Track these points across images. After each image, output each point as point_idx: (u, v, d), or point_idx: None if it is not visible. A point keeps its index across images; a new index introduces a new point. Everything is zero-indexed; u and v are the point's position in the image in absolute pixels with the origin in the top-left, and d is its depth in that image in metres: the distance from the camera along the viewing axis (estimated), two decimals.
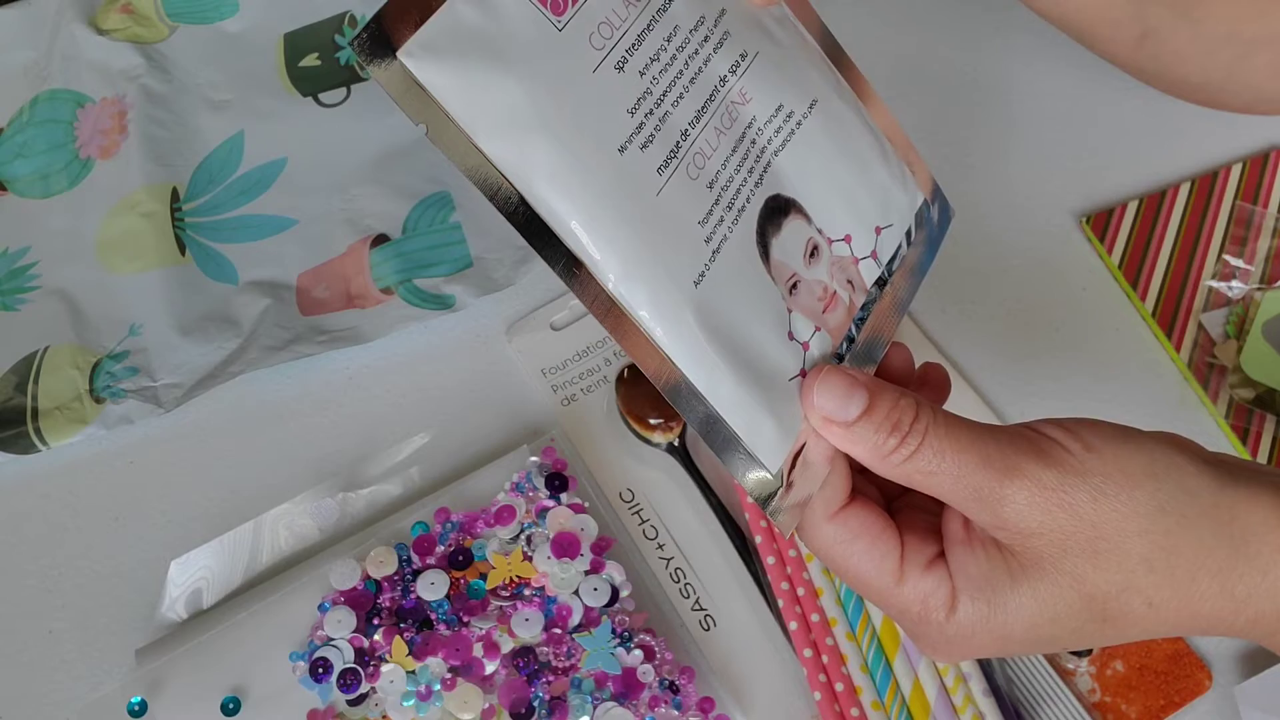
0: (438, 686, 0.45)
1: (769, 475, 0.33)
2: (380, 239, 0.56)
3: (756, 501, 0.33)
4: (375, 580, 0.47)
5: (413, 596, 0.47)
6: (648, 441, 0.51)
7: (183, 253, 0.56)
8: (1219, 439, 0.50)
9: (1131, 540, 0.31)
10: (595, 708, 0.44)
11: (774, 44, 0.35)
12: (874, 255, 0.36)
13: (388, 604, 0.47)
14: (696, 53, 0.33)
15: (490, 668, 0.45)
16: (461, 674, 0.45)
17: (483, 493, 0.49)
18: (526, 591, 0.47)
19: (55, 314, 0.55)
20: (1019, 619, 0.32)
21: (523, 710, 0.44)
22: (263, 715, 0.45)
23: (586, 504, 0.48)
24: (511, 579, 0.47)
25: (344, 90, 0.61)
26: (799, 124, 0.34)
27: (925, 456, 0.31)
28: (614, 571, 0.47)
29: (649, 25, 0.32)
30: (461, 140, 0.29)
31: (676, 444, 0.51)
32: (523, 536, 0.48)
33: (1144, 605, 0.31)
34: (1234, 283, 0.54)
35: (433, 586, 0.47)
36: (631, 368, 0.52)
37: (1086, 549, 0.31)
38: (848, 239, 0.35)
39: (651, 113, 0.31)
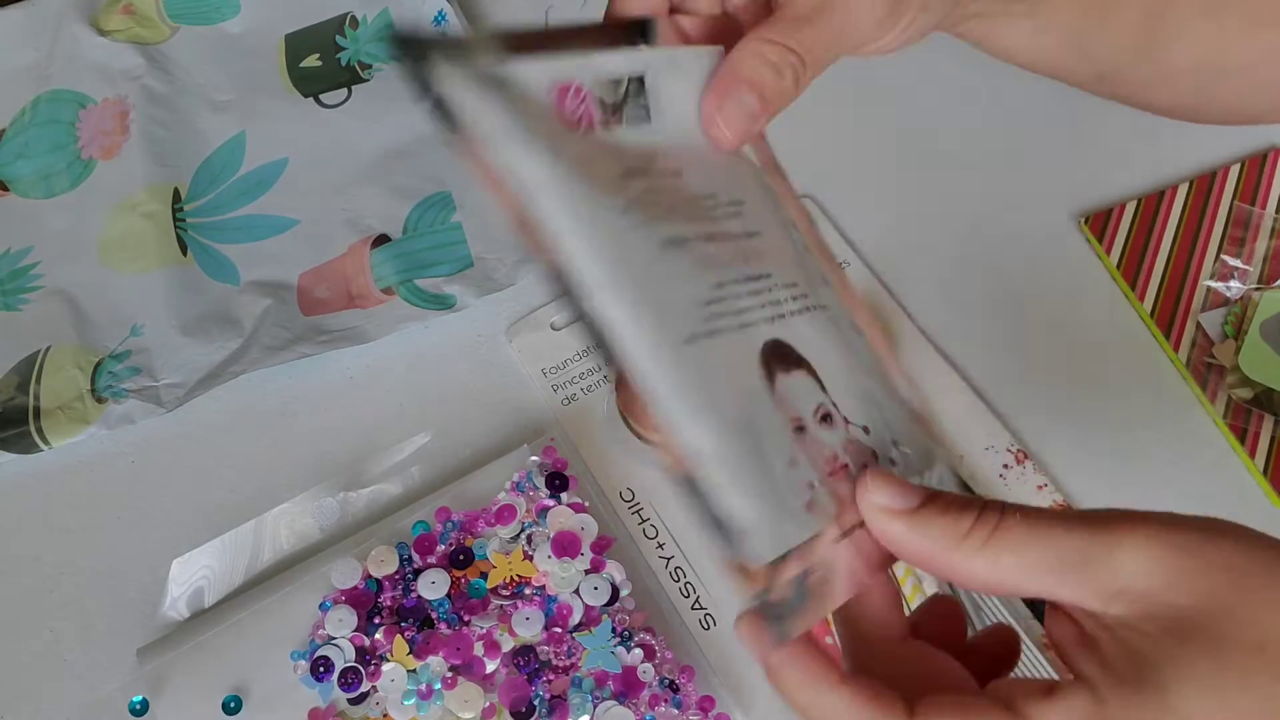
0: (438, 685, 0.45)
1: (749, 568, 0.28)
2: (381, 239, 0.56)
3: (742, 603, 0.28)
4: (376, 579, 0.47)
5: (414, 595, 0.47)
6: (648, 441, 0.51)
7: (184, 253, 0.56)
8: (1217, 439, 0.51)
9: (1263, 572, 0.25)
10: (595, 706, 0.44)
11: (783, 242, 0.33)
12: (893, 462, 0.31)
13: (389, 603, 0.47)
14: (704, 210, 0.32)
15: (491, 666, 0.45)
16: (462, 673, 0.45)
17: (483, 492, 0.49)
18: (527, 590, 0.47)
19: (57, 314, 0.55)
20: (1185, 695, 0.24)
21: (523, 709, 0.44)
22: (264, 714, 0.45)
23: (587, 503, 0.49)
24: (512, 578, 0.47)
25: (345, 91, 0.61)
26: (812, 308, 0.32)
27: (1011, 530, 0.25)
28: (614, 570, 0.47)
29: (651, 172, 0.32)
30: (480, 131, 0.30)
31: None
32: (523, 536, 0.48)
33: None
34: (1232, 283, 0.54)
35: (433, 585, 0.47)
36: None
37: (1237, 587, 0.24)
38: (867, 430, 0.32)
39: (655, 204, 0.31)
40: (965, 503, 0.27)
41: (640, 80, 0.33)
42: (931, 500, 0.27)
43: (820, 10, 0.33)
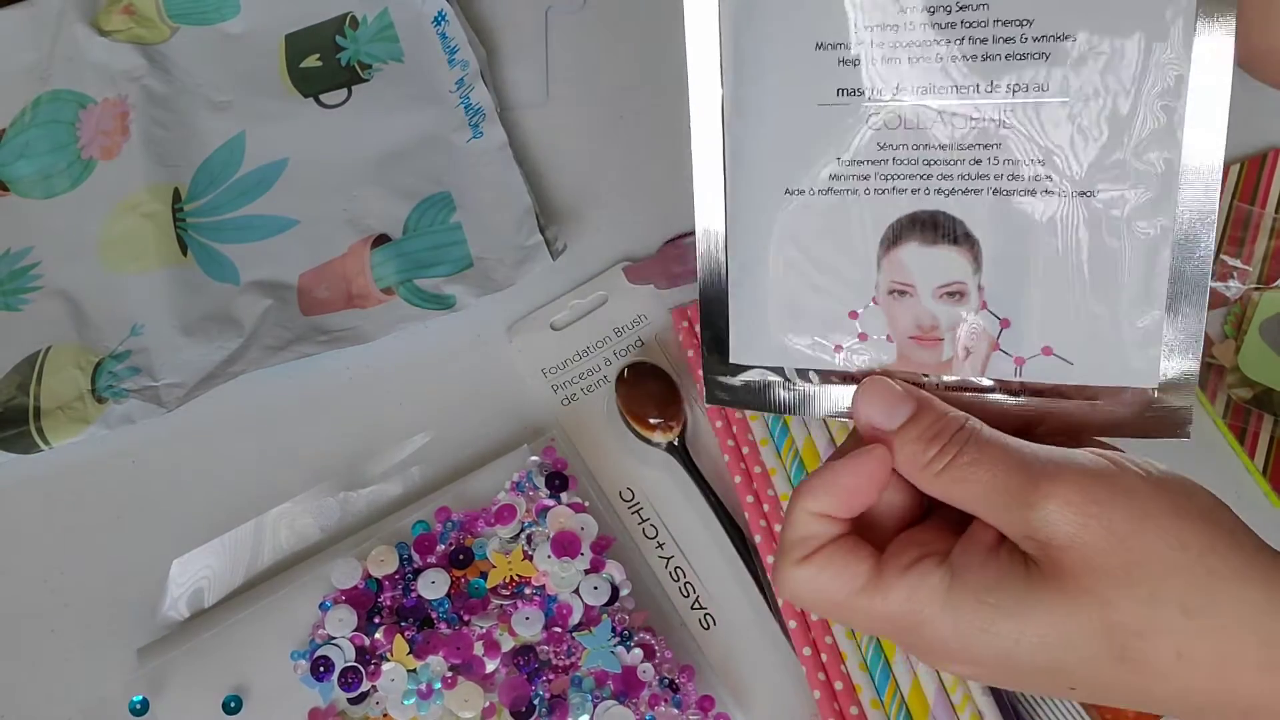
0: (438, 685, 0.45)
1: (725, 359, 0.34)
2: (381, 239, 0.56)
3: (702, 375, 0.35)
4: (376, 579, 0.47)
5: (414, 595, 0.47)
6: (648, 441, 0.51)
7: (184, 253, 0.56)
8: (1217, 439, 0.51)
9: (1170, 576, 0.27)
10: (595, 706, 0.44)
11: (1116, 83, 0.30)
12: (1018, 361, 0.32)
13: (389, 603, 0.47)
14: (985, 47, 0.30)
15: (491, 666, 0.46)
16: (462, 672, 0.45)
17: (483, 492, 0.49)
18: (527, 590, 0.47)
19: (57, 314, 0.55)
20: (1027, 632, 0.28)
21: (523, 708, 0.44)
22: (264, 714, 0.45)
23: (586, 503, 0.49)
24: (512, 578, 0.47)
25: (345, 91, 0.61)
26: (1048, 192, 0.31)
27: (961, 463, 0.29)
28: (614, 570, 0.47)
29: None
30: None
31: (676, 444, 0.51)
32: (523, 535, 0.48)
33: (1172, 655, 0.27)
34: (1232, 282, 0.54)
35: (433, 585, 0.47)
36: (631, 367, 0.52)
37: (1118, 573, 0.27)
38: (1005, 322, 0.32)
39: (875, 45, 0.31)
40: (938, 429, 0.30)
41: None
42: (913, 420, 0.31)
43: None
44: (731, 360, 0.35)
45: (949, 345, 0.32)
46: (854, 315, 0.33)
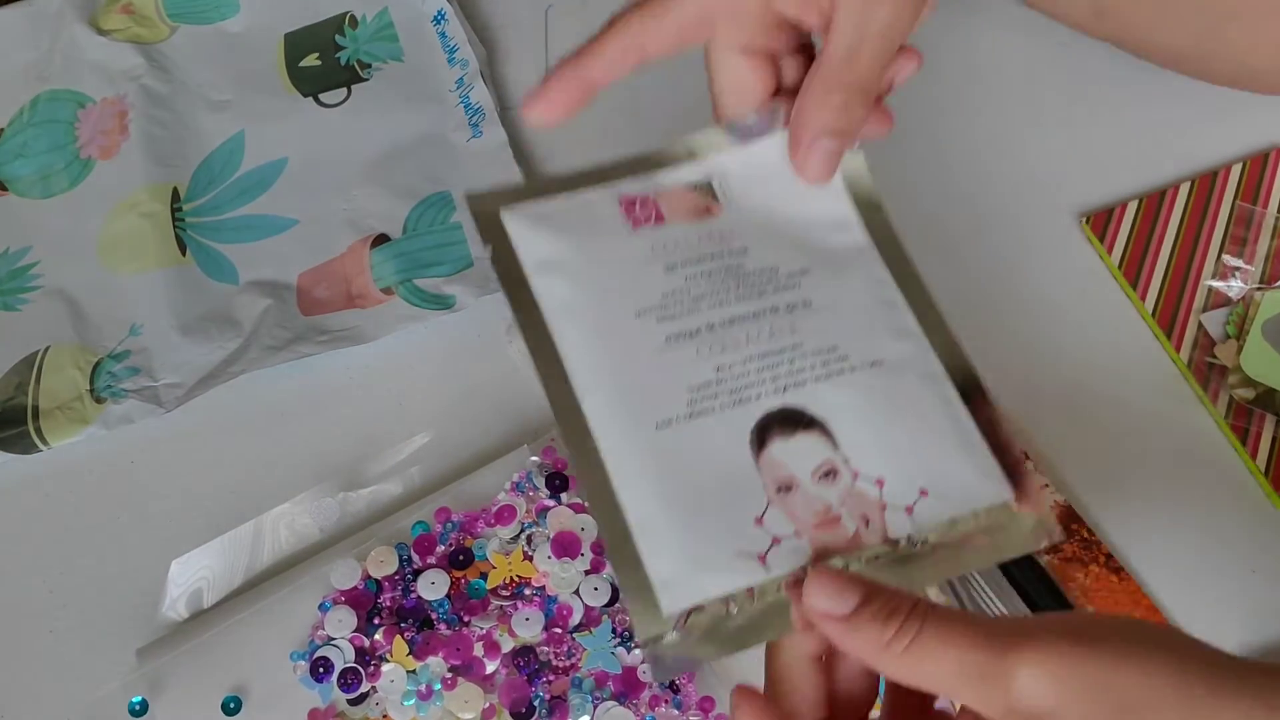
0: (438, 686, 0.45)
1: (659, 615, 0.32)
2: (381, 239, 0.56)
3: (642, 642, 0.33)
4: (376, 580, 0.47)
5: (413, 596, 0.47)
6: None
7: (183, 253, 0.56)
8: (1219, 439, 0.51)
9: (1164, 710, 0.27)
10: (595, 707, 0.44)
11: (853, 302, 0.38)
12: (908, 510, 0.35)
13: (388, 603, 0.47)
14: (754, 285, 0.38)
15: (491, 667, 0.45)
16: (462, 673, 0.45)
17: (483, 492, 0.49)
18: (527, 591, 0.47)
19: (56, 314, 0.55)
20: None
21: (523, 710, 0.44)
22: (263, 714, 0.45)
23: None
24: (512, 578, 0.47)
25: (344, 90, 0.61)
26: (850, 369, 0.37)
27: (926, 639, 0.29)
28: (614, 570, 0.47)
29: (715, 254, 0.38)
30: (515, 266, 0.38)
31: None
32: (523, 536, 0.48)
33: None
34: (1234, 282, 0.54)
35: (433, 586, 0.47)
36: None
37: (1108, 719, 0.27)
38: (880, 482, 0.35)
39: (681, 303, 0.37)
40: (893, 608, 0.30)
41: (708, 182, 0.40)
42: (865, 603, 0.30)
43: (858, 46, 0.37)
44: (665, 612, 0.33)
45: (848, 520, 0.35)
46: (760, 521, 0.34)
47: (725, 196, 0.40)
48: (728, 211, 0.39)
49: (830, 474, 0.35)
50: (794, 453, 0.35)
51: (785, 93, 0.40)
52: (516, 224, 0.39)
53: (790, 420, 0.36)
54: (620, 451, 0.35)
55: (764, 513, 0.34)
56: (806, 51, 0.40)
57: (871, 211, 0.40)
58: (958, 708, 0.31)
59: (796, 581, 0.33)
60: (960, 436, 0.37)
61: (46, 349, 0.54)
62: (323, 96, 0.61)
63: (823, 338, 0.37)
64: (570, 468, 0.37)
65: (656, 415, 0.36)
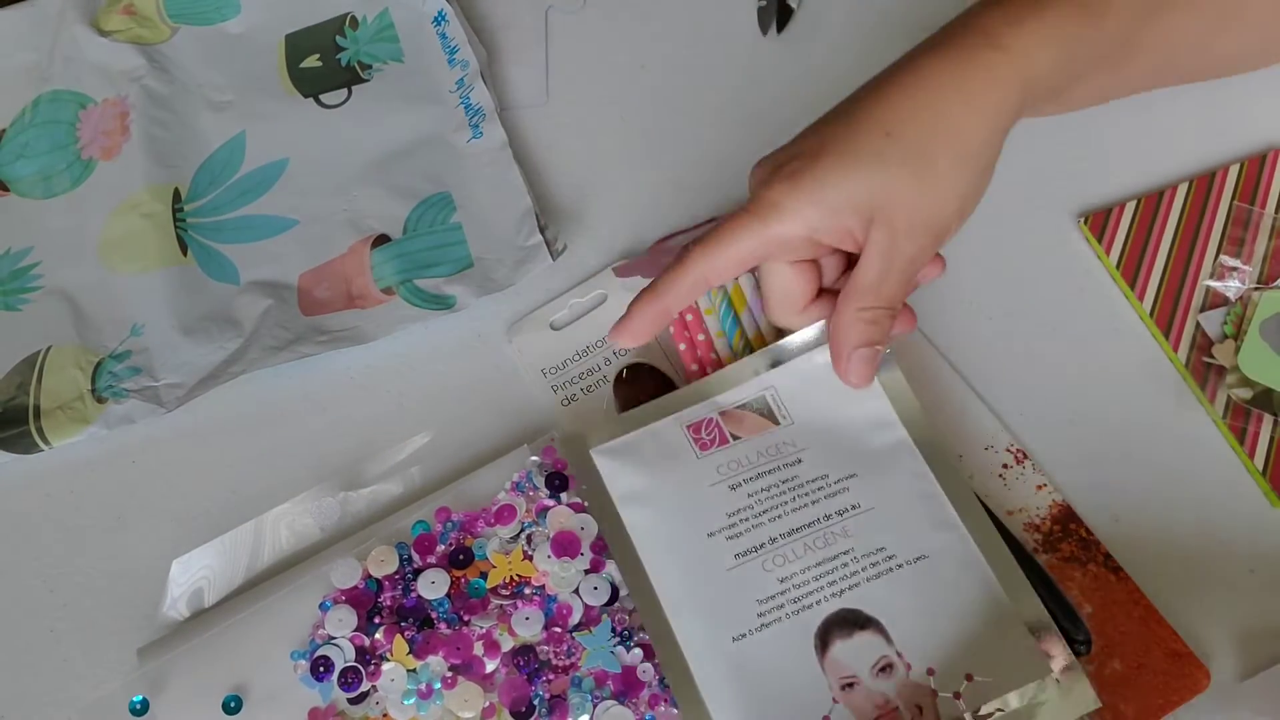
0: (438, 685, 0.45)
1: None
2: (381, 239, 0.56)
3: None
4: (376, 579, 0.47)
5: (413, 595, 0.47)
6: None
7: (184, 253, 0.56)
8: (1216, 438, 0.51)
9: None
10: (595, 706, 0.44)
11: (896, 501, 0.44)
12: (958, 696, 0.39)
13: (389, 603, 0.47)
14: (808, 495, 0.44)
15: (490, 666, 0.46)
16: (462, 672, 0.45)
17: (483, 492, 0.49)
18: (527, 590, 0.47)
19: (57, 314, 0.55)
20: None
21: (523, 709, 0.44)
22: (264, 714, 0.45)
23: (586, 503, 0.49)
24: (512, 578, 0.47)
25: (345, 91, 0.61)
26: (898, 566, 0.42)
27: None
28: (614, 570, 0.47)
29: (772, 469, 0.45)
30: (607, 500, 0.46)
31: None
32: (523, 535, 0.48)
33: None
34: (1232, 282, 0.54)
35: (433, 585, 0.47)
36: (631, 368, 0.52)
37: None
38: (930, 671, 0.40)
39: (746, 520, 0.44)
40: None
41: (763, 397, 0.47)
42: None
43: (885, 276, 0.44)
44: None
45: (904, 710, 0.39)
46: (826, 719, 0.39)
47: (780, 409, 0.47)
48: (784, 423, 0.46)
49: (887, 668, 0.40)
50: (854, 652, 0.40)
51: (826, 294, 0.47)
52: (604, 462, 0.46)
53: (849, 622, 0.41)
54: (705, 663, 0.41)
55: (830, 711, 0.39)
56: (844, 251, 0.46)
57: (908, 409, 0.46)
58: None
59: None
60: (1001, 620, 0.41)
61: (48, 349, 0.54)
62: (323, 97, 0.61)
63: (871, 539, 0.43)
64: (663, 674, 0.43)
65: (732, 630, 0.41)
